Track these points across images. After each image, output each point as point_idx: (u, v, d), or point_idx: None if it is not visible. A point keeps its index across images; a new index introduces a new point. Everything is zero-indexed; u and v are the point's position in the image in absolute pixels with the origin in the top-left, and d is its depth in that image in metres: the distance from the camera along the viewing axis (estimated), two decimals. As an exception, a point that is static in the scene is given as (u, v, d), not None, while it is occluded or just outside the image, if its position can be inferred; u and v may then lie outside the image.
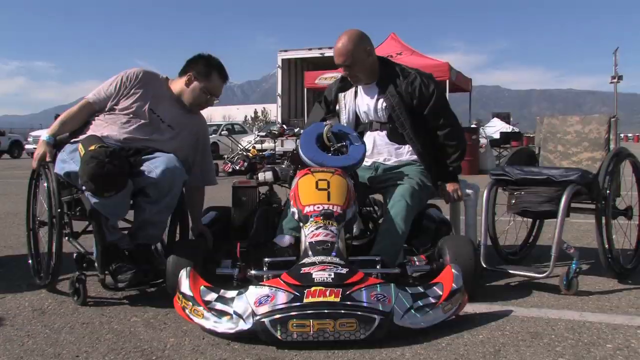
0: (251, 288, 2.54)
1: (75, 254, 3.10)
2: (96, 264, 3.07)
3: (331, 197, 3.02)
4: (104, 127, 3.30)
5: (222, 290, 2.61)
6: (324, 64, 18.85)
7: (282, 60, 19.75)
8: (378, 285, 2.55)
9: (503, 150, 18.25)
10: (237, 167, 13.80)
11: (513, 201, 3.58)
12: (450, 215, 4.35)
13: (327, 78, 15.01)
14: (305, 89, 16.38)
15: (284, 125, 17.68)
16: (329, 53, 18.93)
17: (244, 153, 15.05)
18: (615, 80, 40.97)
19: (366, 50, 3.61)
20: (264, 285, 2.56)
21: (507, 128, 29.34)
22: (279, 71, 19.86)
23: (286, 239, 3.34)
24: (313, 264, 2.64)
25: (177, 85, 3.53)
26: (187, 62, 3.56)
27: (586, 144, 3.86)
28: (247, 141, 17.06)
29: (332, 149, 3.46)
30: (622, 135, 40.07)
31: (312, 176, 3.18)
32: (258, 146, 17.07)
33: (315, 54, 19.53)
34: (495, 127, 28.76)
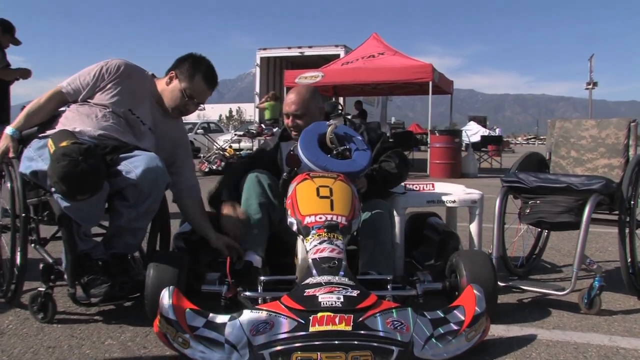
0: (246, 313, 2.17)
1: (41, 264, 2.70)
2: (65, 276, 2.67)
3: (335, 206, 2.67)
4: (77, 120, 2.92)
5: (210, 315, 2.22)
6: (304, 63, 18.55)
7: (261, 58, 19.33)
8: (394, 310, 2.21)
9: (483, 154, 18.12)
10: (214, 167, 13.42)
11: (527, 211, 3.29)
12: (447, 222, 4.07)
13: (308, 77, 14.65)
14: (285, 88, 15.97)
15: (262, 125, 17.29)
16: (308, 52, 18.66)
17: (221, 152, 14.65)
18: (591, 86, 41.49)
19: (319, 107, 3.41)
20: (261, 310, 2.19)
21: (485, 132, 29.35)
22: (258, 70, 19.43)
23: (257, 259, 3.04)
24: (318, 284, 2.28)
25: (160, 84, 3.18)
26: (176, 60, 3.20)
27: (603, 149, 3.57)
28: (223, 140, 16.61)
29: (334, 152, 3.10)
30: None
31: (312, 182, 2.82)
32: (235, 145, 16.67)
33: (294, 52, 19.19)
34: (472, 131, 28.71)
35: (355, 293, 2.24)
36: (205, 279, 2.85)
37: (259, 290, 2.60)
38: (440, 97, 17.04)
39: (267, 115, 16.12)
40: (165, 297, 2.27)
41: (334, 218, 2.60)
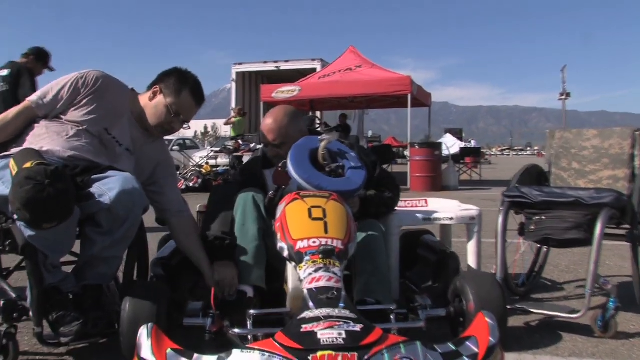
0: (235, 353, 1.90)
1: (2, 300, 2.43)
2: (31, 313, 2.38)
3: (329, 228, 2.40)
4: (46, 139, 2.65)
5: (195, 356, 1.94)
6: (280, 77, 18.38)
7: (237, 73, 19.17)
8: (402, 345, 1.96)
9: (463, 167, 18.04)
10: (191, 184, 13.15)
11: (532, 227, 3.09)
12: (441, 240, 3.86)
13: (284, 91, 14.44)
14: (262, 103, 15.81)
15: (239, 141, 17.04)
16: (285, 67, 18.52)
17: (197, 169, 14.36)
18: (564, 97, 41.86)
19: (300, 131, 3.09)
20: (253, 349, 1.91)
21: (462, 144, 29.37)
22: (234, 85, 19.26)
23: (250, 290, 2.75)
24: (317, 319, 2.01)
25: (142, 100, 2.91)
26: (160, 74, 2.93)
27: (606, 160, 3.39)
28: (199, 157, 16.32)
29: (327, 169, 2.84)
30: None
31: (303, 202, 2.55)
32: (212, 162, 16.38)
33: (270, 67, 19.06)
34: (449, 143, 28.71)
35: (358, 327, 1.99)
36: (187, 308, 2.60)
37: (249, 326, 2.33)
38: (416, 110, 16.93)
39: (234, 132, 15.94)
40: (144, 336, 1.98)
41: (329, 242, 2.34)
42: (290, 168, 2.79)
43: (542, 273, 3.89)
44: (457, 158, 18.16)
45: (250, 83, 20.17)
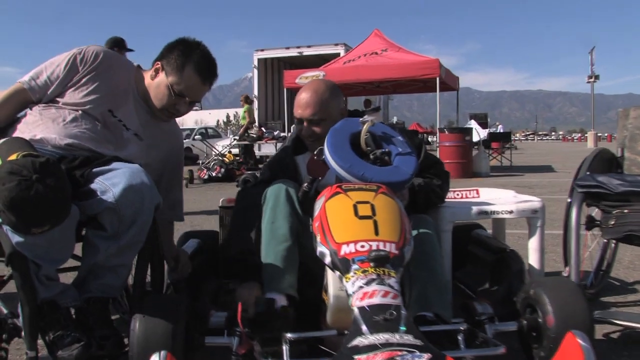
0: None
1: (-9, 319, 2.03)
2: (23, 334, 1.98)
3: (380, 229, 1.96)
4: (39, 126, 2.27)
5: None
6: (303, 63, 17.95)
7: (259, 60, 18.75)
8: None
9: (492, 152, 17.48)
10: (214, 174, 12.84)
11: (612, 222, 2.61)
12: (494, 235, 3.42)
13: (309, 77, 14.00)
14: (285, 89, 15.42)
15: (262, 128, 16.68)
16: (307, 52, 18.07)
17: (220, 158, 14.00)
18: (592, 79, 40.90)
19: (341, 109, 2.69)
20: None
21: (484, 132, 28.73)
22: (255, 72, 18.85)
23: (281, 298, 2.31)
24: (373, 348, 1.57)
25: (146, 79, 2.51)
26: (164, 47, 2.51)
27: (693, 142, 2.91)
28: (222, 146, 15.96)
29: (371, 156, 2.37)
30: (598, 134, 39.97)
31: (347, 197, 2.11)
32: (234, 151, 16.03)
33: (293, 53, 18.61)
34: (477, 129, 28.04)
35: (425, 358, 1.57)
36: (210, 322, 2.19)
37: (285, 355, 1.90)
38: (447, 94, 16.46)
39: (243, 120, 15.73)
40: (156, 365, 1.60)
41: (381, 246, 1.91)
42: (328, 156, 2.34)
43: (610, 272, 3.42)
44: (486, 143, 17.59)
45: (272, 70, 19.75)
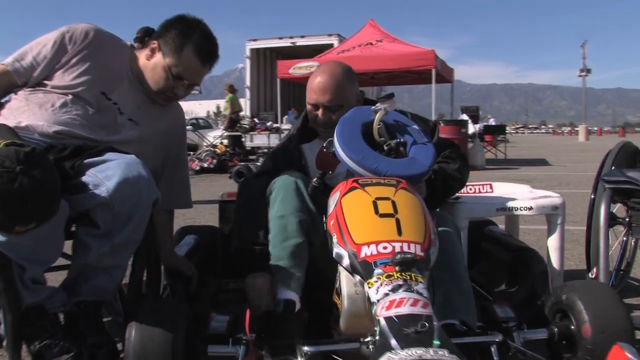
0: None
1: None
2: (5, 343, 1.78)
3: (403, 228, 1.76)
4: (25, 112, 2.07)
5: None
6: (296, 54, 17.71)
7: (251, 50, 18.48)
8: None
9: (486, 145, 17.36)
10: (206, 165, 12.68)
11: (643, 221, 2.45)
12: (506, 230, 3.27)
13: (303, 67, 13.81)
14: (278, 80, 15.19)
15: (254, 119, 16.46)
16: (301, 42, 17.82)
17: (212, 149, 13.80)
18: (584, 73, 40.94)
19: (357, 95, 2.50)
20: None
21: (482, 122, 28.66)
22: (248, 62, 18.58)
23: (295, 297, 2.13)
24: None
25: (141, 59, 2.32)
26: (161, 24, 2.33)
27: None
28: (213, 137, 15.73)
29: (385, 147, 2.16)
30: (589, 128, 40.07)
31: (364, 192, 1.91)
32: (226, 142, 15.81)
33: (286, 43, 18.34)
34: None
35: (462, 377, 1.38)
36: (210, 327, 2.00)
37: None
38: (429, 88, 16.25)
39: (227, 110, 15.51)
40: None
41: (405, 247, 1.71)
42: (338, 148, 2.14)
43: (630, 271, 3.26)
44: (481, 136, 17.48)
45: (265, 60, 19.49)
